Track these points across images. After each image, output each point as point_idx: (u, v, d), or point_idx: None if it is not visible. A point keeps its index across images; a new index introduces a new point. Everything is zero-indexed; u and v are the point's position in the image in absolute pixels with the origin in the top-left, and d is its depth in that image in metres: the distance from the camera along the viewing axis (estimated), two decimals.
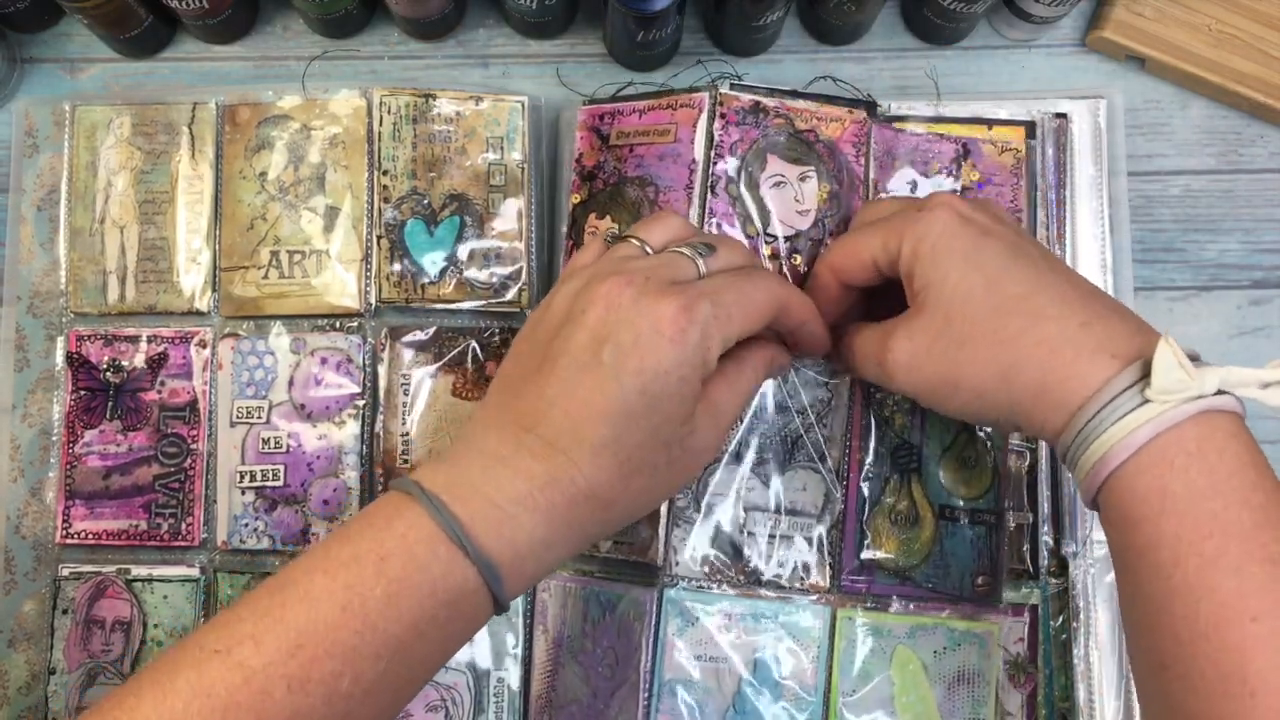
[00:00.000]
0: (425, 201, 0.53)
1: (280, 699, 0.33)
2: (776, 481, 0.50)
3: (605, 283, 0.38)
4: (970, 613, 0.50)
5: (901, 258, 0.42)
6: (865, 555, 0.50)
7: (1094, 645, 0.50)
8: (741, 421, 0.50)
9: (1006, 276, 0.39)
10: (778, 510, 0.50)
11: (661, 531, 0.49)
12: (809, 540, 0.50)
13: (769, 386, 0.50)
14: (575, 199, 0.53)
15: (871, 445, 0.51)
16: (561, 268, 0.53)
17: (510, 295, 0.53)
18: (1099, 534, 0.51)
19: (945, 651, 0.50)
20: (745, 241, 0.51)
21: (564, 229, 0.54)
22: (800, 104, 0.53)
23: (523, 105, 0.54)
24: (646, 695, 0.49)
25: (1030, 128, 0.53)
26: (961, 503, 0.50)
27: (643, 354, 0.37)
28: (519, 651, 0.51)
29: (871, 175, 0.53)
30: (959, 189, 0.53)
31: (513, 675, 0.50)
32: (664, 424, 0.38)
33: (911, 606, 0.50)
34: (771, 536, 0.50)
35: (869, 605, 0.50)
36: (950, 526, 0.50)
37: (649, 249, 0.42)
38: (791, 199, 0.52)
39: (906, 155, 0.53)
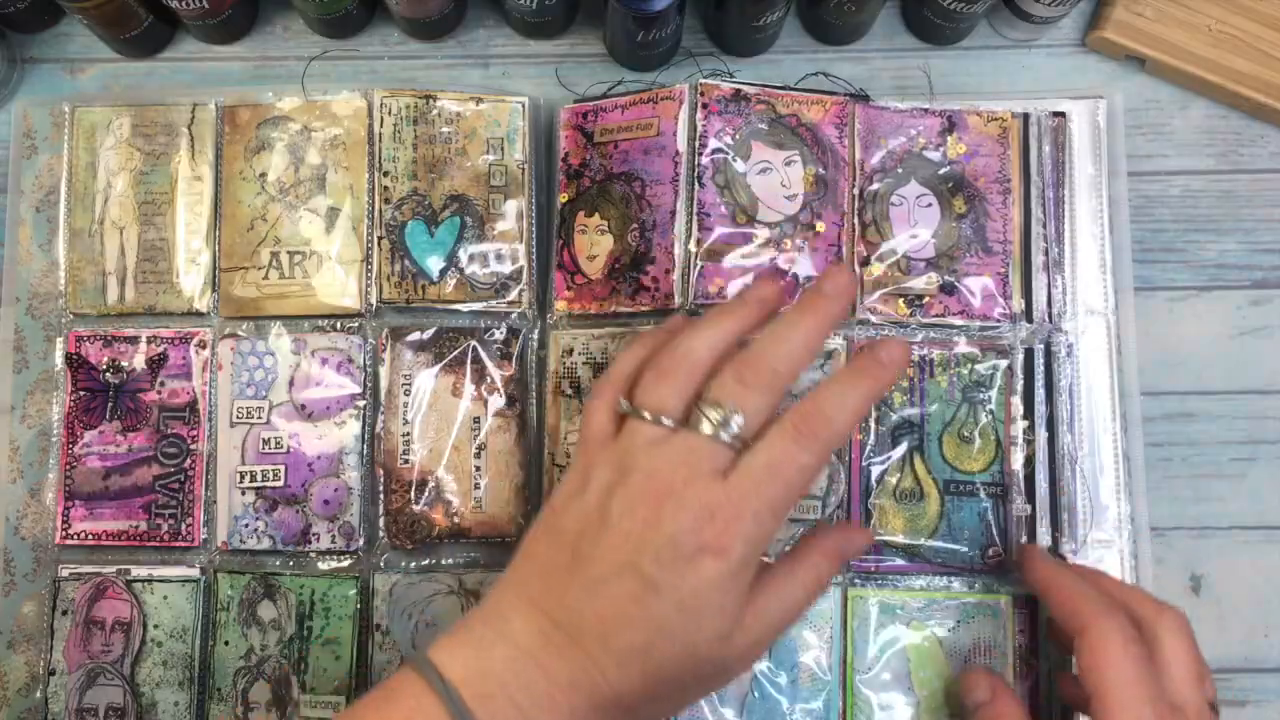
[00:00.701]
0: (426, 202, 0.53)
1: None
2: None
3: (639, 486, 0.37)
4: (983, 585, 0.50)
5: (1096, 701, 0.41)
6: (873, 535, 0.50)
7: None
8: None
9: None
10: None
11: None
12: (815, 523, 0.50)
13: None
14: (563, 198, 0.54)
15: (872, 425, 0.51)
16: (556, 269, 0.53)
17: (511, 295, 0.53)
18: (1096, 534, 0.51)
19: (959, 626, 0.50)
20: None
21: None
22: (781, 89, 0.53)
23: (523, 106, 0.54)
24: None
25: (1025, 119, 0.54)
26: (966, 477, 0.51)
27: (684, 569, 0.35)
28: None
29: (857, 155, 0.53)
30: (947, 164, 0.53)
31: None
32: (700, 640, 0.36)
33: (922, 583, 0.50)
34: None
35: (880, 583, 0.50)
36: (956, 501, 0.51)
37: (668, 421, 0.38)
38: (778, 184, 0.52)
39: (891, 132, 0.53)
